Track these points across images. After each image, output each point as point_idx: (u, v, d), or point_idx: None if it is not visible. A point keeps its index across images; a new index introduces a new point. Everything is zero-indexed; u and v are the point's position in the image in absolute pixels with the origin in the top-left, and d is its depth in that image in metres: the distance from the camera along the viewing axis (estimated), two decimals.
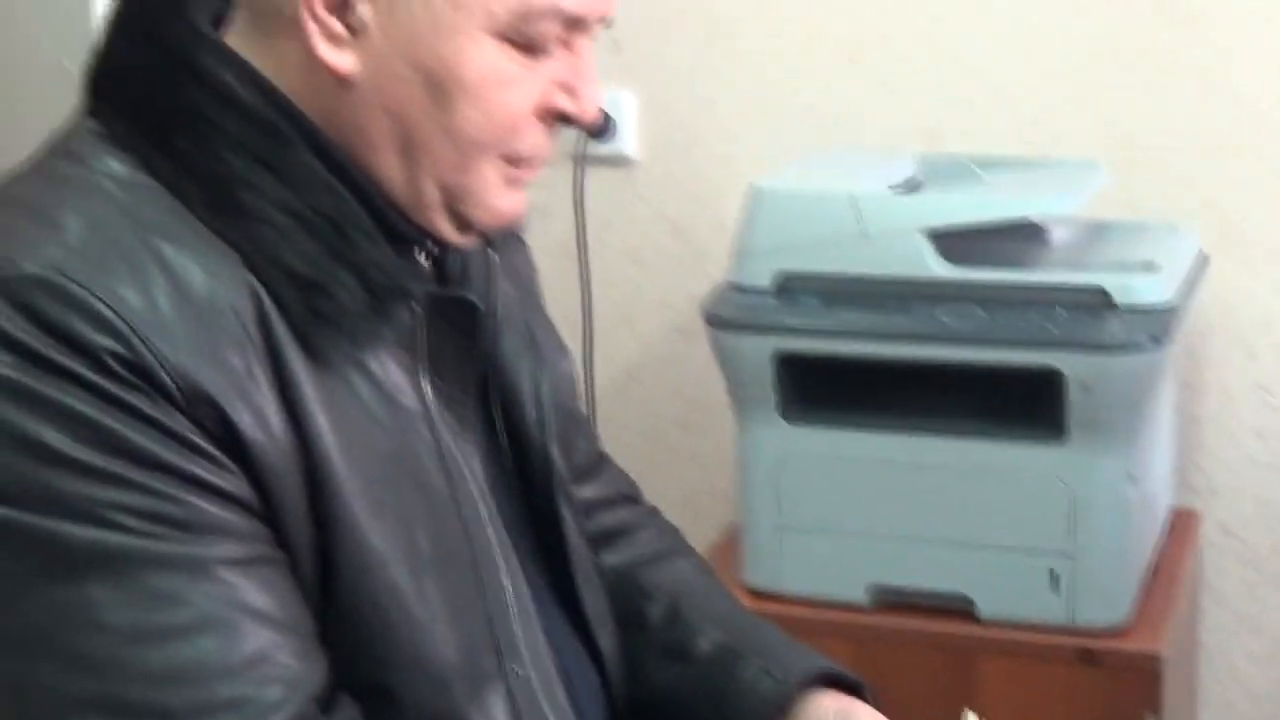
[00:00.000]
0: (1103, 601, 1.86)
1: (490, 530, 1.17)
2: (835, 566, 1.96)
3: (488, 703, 1.12)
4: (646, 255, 2.47)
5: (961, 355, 1.84)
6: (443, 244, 1.18)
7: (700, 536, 2.35)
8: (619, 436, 2.48)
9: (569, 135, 1.18)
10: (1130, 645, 1.86)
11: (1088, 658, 1.85)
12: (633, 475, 1.55)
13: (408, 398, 1.14)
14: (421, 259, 1.19)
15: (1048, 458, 1.83)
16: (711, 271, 2.37)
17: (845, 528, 1.95)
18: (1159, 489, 2.05)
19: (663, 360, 2.49)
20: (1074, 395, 1.79)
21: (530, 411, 1.27)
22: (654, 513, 1.53)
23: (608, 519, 1.46)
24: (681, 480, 2.50)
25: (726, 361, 1.97)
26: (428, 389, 1.16)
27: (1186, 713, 2.20)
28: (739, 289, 1.96)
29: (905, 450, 1.90)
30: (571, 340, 2.33)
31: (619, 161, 2.44)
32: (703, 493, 2.49)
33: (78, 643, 0.98)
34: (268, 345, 1.05)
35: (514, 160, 1.14)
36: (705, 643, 1.34)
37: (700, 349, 2.39)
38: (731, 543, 2.10)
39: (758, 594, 1.97)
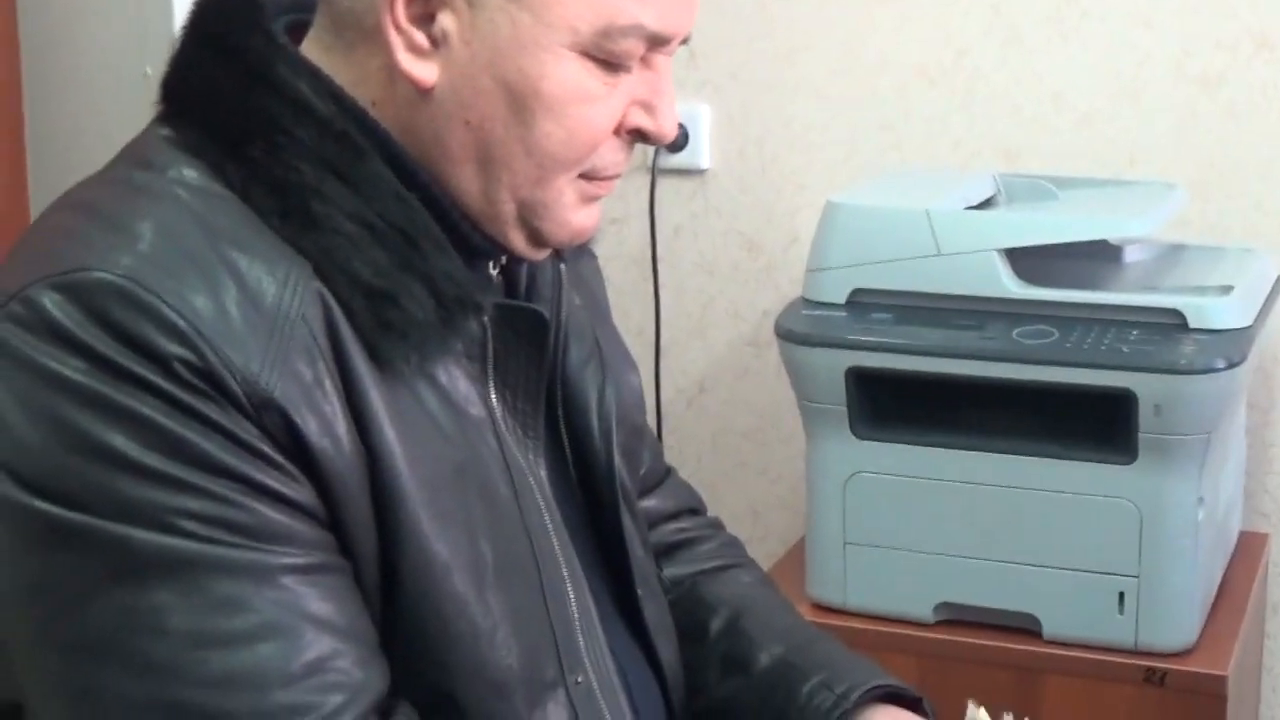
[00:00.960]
0: (1169, 623, 1.82)
1: (554, 539, 1.16)
2: (901, 582, 1.92)
3: (549, 711, 1.11)
4: (718, 266, 2.44)
5: (1034, 374, 1.80)
6: (514, 257, 1.16)
7: (766, 550, 2.34)
8: (687, 447, 2.46)
9: (642, 146, 1.16)
10: (1195, 667, 1.82)
11: (1152, 679, 1.81)
12: (700, 487, 1.53)
13: (475, 407, 1.12)
14: (491, 270, 1.18)
15: (1118, 478, 1.79)
16: (782, 284, 2.35)
17: (912, 544, 1.91)
18: (1229, 512, 2.00)
19: (732, 372, 2.46)
20: (1146, 416, 1.75)
21: (595, 423, 1.25)
22: (717, 525, 1.51)
23: (671, 531, 1.44)
24: (749, 493, 2.47)
25: (798, 375, 1.94)
26: (494, 399, 1.14)
27: None
28: (812, 303, 1.94)
29: (974, 468, 1.87)
30: (642, 350, 2.32)
31: (692, 173, 2.42)
32: (771, 506, 2.46)
33: (141, 647, 0.97)
34: (336, 355, 1.04)
35: (590, 176, 1.12)
36: (765, 656, 1.32)
37: (770, 362, 2.38)
38: (797, 556, 2.07)
39: (822, 608, 1.95)
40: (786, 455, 2.42)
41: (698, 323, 2.47)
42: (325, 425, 1.02)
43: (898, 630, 1.91)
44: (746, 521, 2.42)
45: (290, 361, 1.01)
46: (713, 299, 2.46)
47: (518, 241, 1.13)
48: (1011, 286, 1.85)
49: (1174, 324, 1.79)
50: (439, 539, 1.06)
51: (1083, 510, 1.82)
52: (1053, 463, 1.83)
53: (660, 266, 2.43)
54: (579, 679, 1.14)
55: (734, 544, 1.50)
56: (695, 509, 1.50)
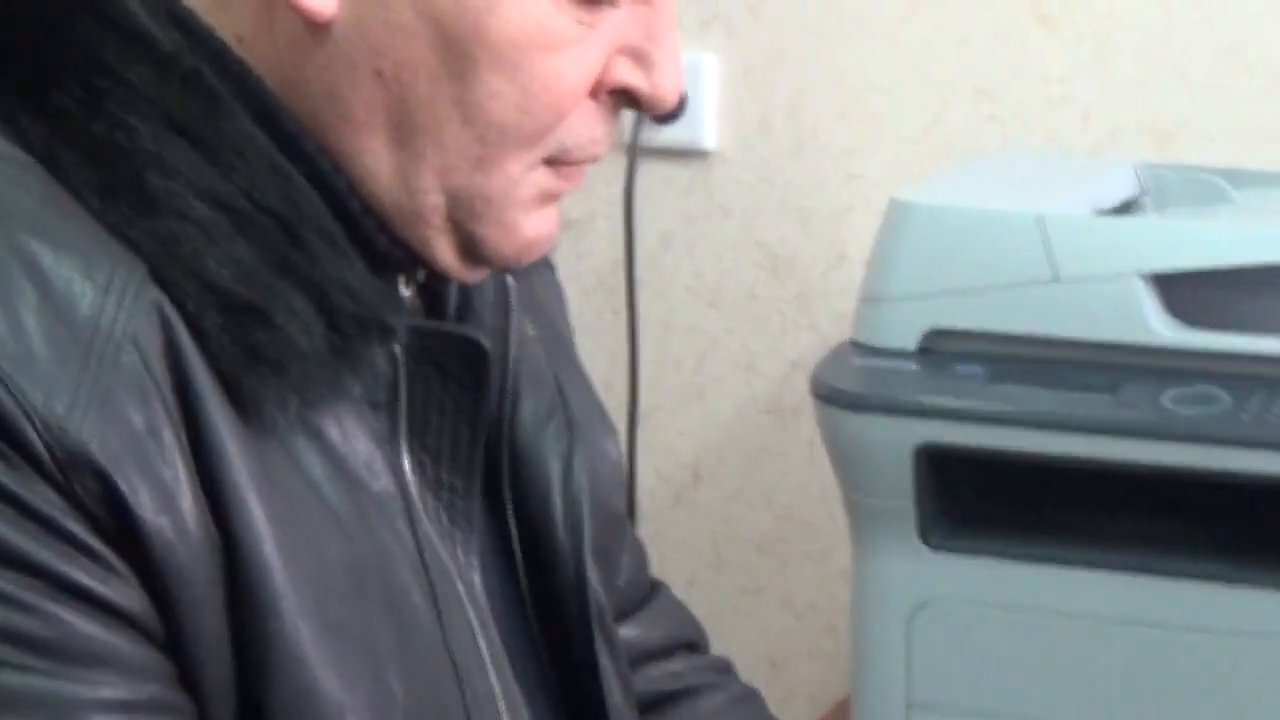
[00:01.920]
0: None
1: (491, 672, 1.19)
2: None
3: None
4: (725, 294, 2.48)
5: (1193, 459, 1.84)
6: (435, 274, 1.20)
7: (791, 716, 2.36)
8: (671, 560, 2.49)
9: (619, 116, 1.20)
10: None
11: None
12: None
13: (379, 480, 1.15)
14: (403, 287, 1.21)
15: None
16: (822, 325, 2.39)
17: (1005, 706, 1.94)
18: None
19: (743, 452, 2.49)
20: None
21: (558, 509, 1.28)
22: (725, 668, 1.54)
23: (660, 675, 1.48)
24: (765, 632, 2.50)
25: (845, 456, 1.97)
26: (409, 468, 1.17)
27: None
28: (868, 349, 1.97)
29: (1102, 595, 1.90)
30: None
31: (690, 155, 2.46)
32: (796, 653, 2.49)
33: None
34: (180, 394, 1.06)
35: (555, 160, 1.16)
36: None
37: (800, 437, 2.42)
38: None
39: None
40: (821, 578, 2.46)
41: (693, 377, 2.50)
42: (162, 495, 1.04)
43: None
44: (761, 674, 2.44)
45: (113, 402, 1.04)
46: (716, 342, 2.49)
47: (443, 252, 1.17)
48: (1163, 330, 1.88)
49: None
50: (327, 667, 1.09)
51: (1270, 658, 1.85)
52: (1224, 589, 1.86)
53: (639, 293, 2.47)
54: None
55: (753, 698, 1.54)
56: (694, 643, 1.53)
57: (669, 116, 1.20)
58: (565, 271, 1.48)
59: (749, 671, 1.58)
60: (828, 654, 2.45)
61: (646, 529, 2.49)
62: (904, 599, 1.97)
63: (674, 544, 2.52)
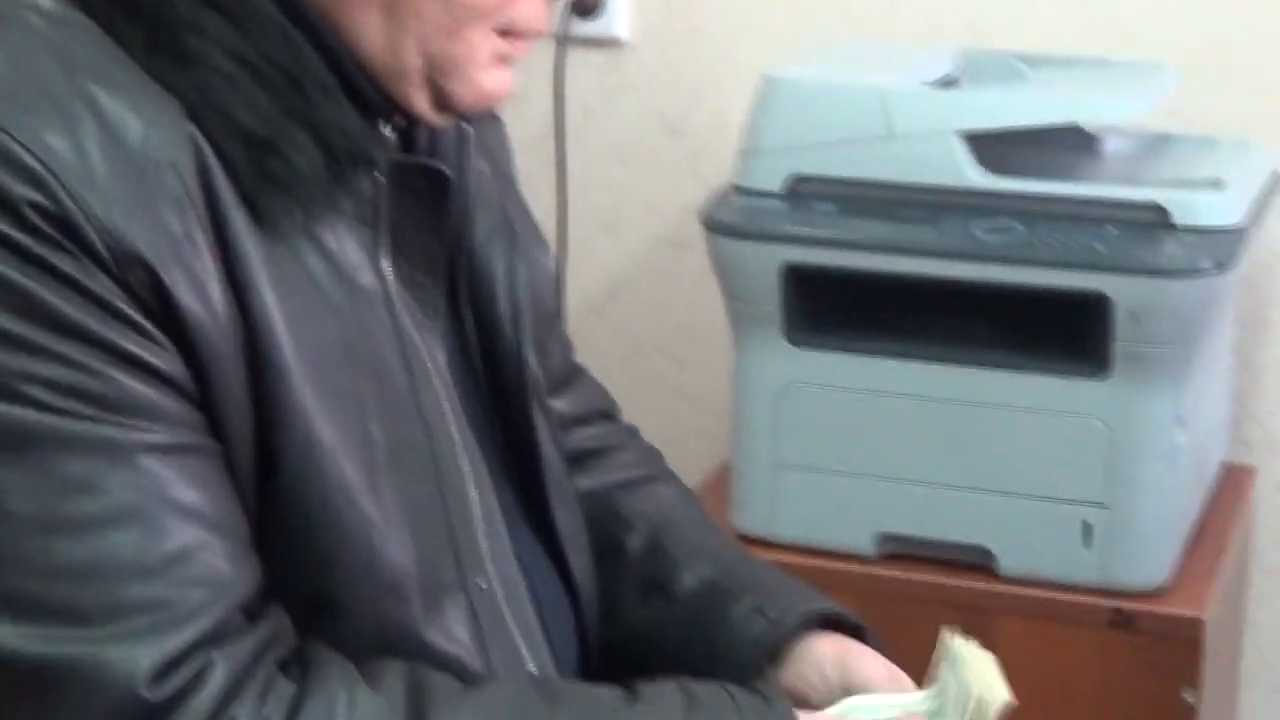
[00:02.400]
0: (1140, 560, 1.89)
1: (454, 430, 1.19)
2: (839, 511, 1.98)
3: (447, 615, 1.15)
4: (634, 154, 2.47)
5: (995, 275, 1.86)
6: (413, 120, 1.20)
7: (685, 478, 2.37)
8: (594, 363, 2.48)
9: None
10: (1168, 609, 1.89)
11: (1120, 621, 1.88)
12: None
13: (365, 277, 1.15)
14: (386, 131, 1.20)
15: (1087, 395, 1.86)
16: (708, 175, 2.38)
17: (852, 467, 1.97)
18: (1210, 439, 2.07)
19: (649, 275, 2.50)
20: (1121, 325, 1.81)
21: (503, 304, 1.28)
22: (633, 433, 1.55)
23: (582, 437, 1.48)
24: (665, 415, 2.51)
25: (727, 273, 1.98)
26: (388, 269, 1.17)
27: (1226, 692, 2.23)
28: (745, 192, 1.98)
29: (925, 381, 1.92)
30: None
31: (606, 43, 2.45)
32: (690, 431, 2.51)
33: None
34: (210, 207, 1.06)
35: (506, 32, 1.16)
36: (690, 578, 1.36)
37: (692, 264, 2.41)
38: (721, 483, 2.12)
39: (750, 540, 2.00)
40: (709, 373, 2.47)
41: (609, 218, 2.50)
42: (197, 285, 1.04)
43: (834, 565, 1.97)
44: (662, 448, 2.44)
45: (157, 211, 1.03)
46: (627, 191, 2.49)
47: (420, 103, 1.16)
48: (973, 175, 1.90)
49: (1156, 221, 1.85)
50: (325, 419, 1.09)
51: (1046, 430, 1.88)
52: (1014, 376, 1.89)
53: (567, 153, 2.45)
54: (481, 584, 1.17)
55: (653, 454, 1.55)
56: (609, 413, 1.54)
57: (587, 11, 1.20)
58: (510, 135, 1.48)
59: (651, 442, 1.59)
60: (714, 432, 2.47)
61: (573, 335, 2.48)
62: (772, 385, 1.99)
63: (595, 349, 2.49)
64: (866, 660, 1.29)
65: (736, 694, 1.16)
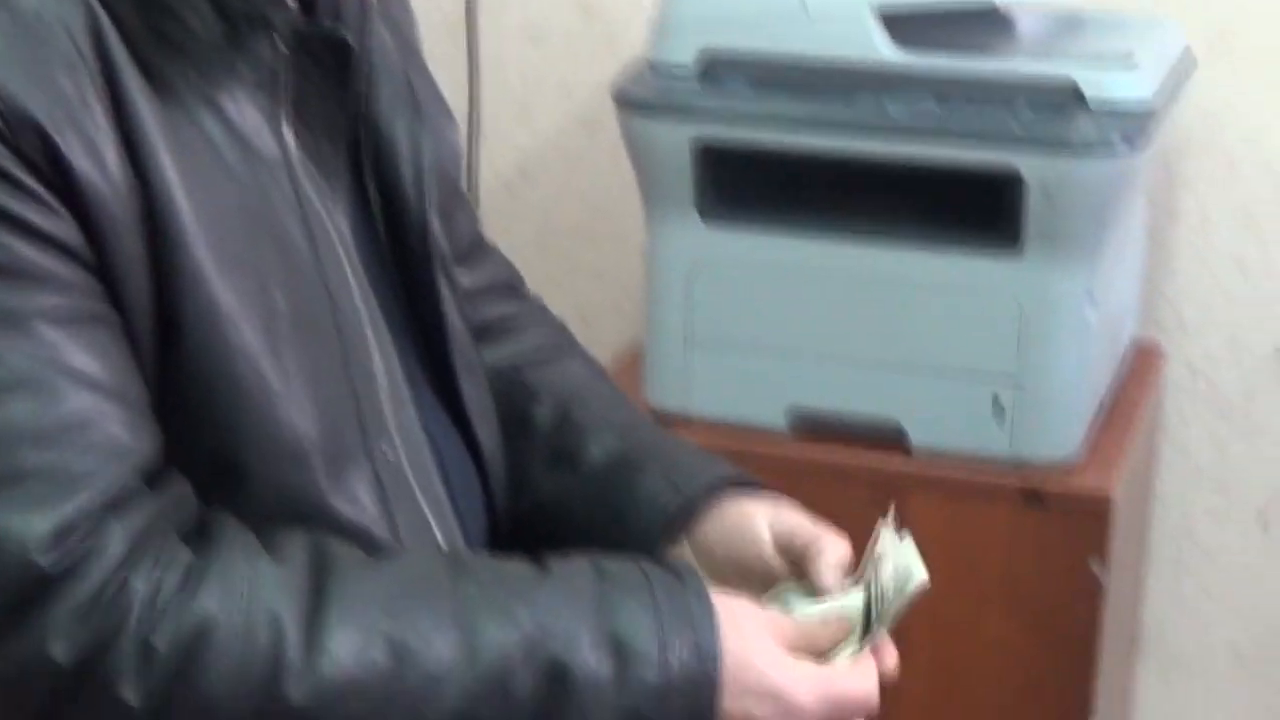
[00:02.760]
0: (1050, 435, 1.91)
1: (357, 297, 1.18)
2: (751, 387, 1.99)
3: (351, 483, 1.14)
4: (546, 32, 2.46)
5: (908, 152, 1.86)
6: None
7: (599, 357, 2.37)
8: (508, 244, 2.47)
9: None
10: (1078, 484, 1.91)
11: (1030, 496, 1.90)
12: None
13: (266, 144, 1.14)
14: None
15: (999, 271, 1.87)
16: (622, 54, 2.37)
17: (764, 344, 1.97)
18: (1122, 317, 2.09)
19: (561, 156, 2.49)
20: (1033, 201, 1.82)
21: (407, 173, 1.28)
22: (540, 307, 1.55)
23: (489, 310, 1.48)
24: (579, 296, 2.51)
25: (638, 151, 1.98)
26: (289, 137, 1.17)
27: (1134, 565, 2.27)
28: (657, 68, 1.97)
29: (837, 258, 1.93)
30: None
31: None
32: (603, 310, 2.51)
33: None
34: (104, 70, 1.05)
35: None
36: (598, 450, 1.37)
37: (605, 145, 2.41)
38: (635, 361, 2.13)
39: (663, 417, 2.01)
40: (622, 253, 2.46)
41: (521, 100, 2.48)
42: (92, 150, 1.03)
43: (747, 441, 1.98)
44: (575, 328, 2.43)
45: (50, 73, 1.02)
46: (540, 72, 2.47)
47: None
48: (886, 52, 1.89)
49: (1068, 98, 1.85)
50: (224, 284, 1.09)
51: (959, 307, 1.89)
52: (926, 253, 1.90)
53: (479, 34, 2.43)
54: (385, 451, 1.17)
55: (560, 328, 1.54)
56: (516, 288, 1.54)
57: None
58: (421, 20, 1.46)
59: (568, 326, 1.60)
60: (626, 311, 2.47)
61: (486, 218, 2.48)
62: (685, 263, 1.99)
63: (508, 230, 2.51)
64: (791, 511, 1.30)
65: (649, 569, 1.15)
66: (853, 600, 1.21)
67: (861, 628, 1.19)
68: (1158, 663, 2.42)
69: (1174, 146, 2.21)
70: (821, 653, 1.17)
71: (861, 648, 1.18)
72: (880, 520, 1.25)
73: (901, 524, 1.25)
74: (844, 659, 1.17)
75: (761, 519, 1.29)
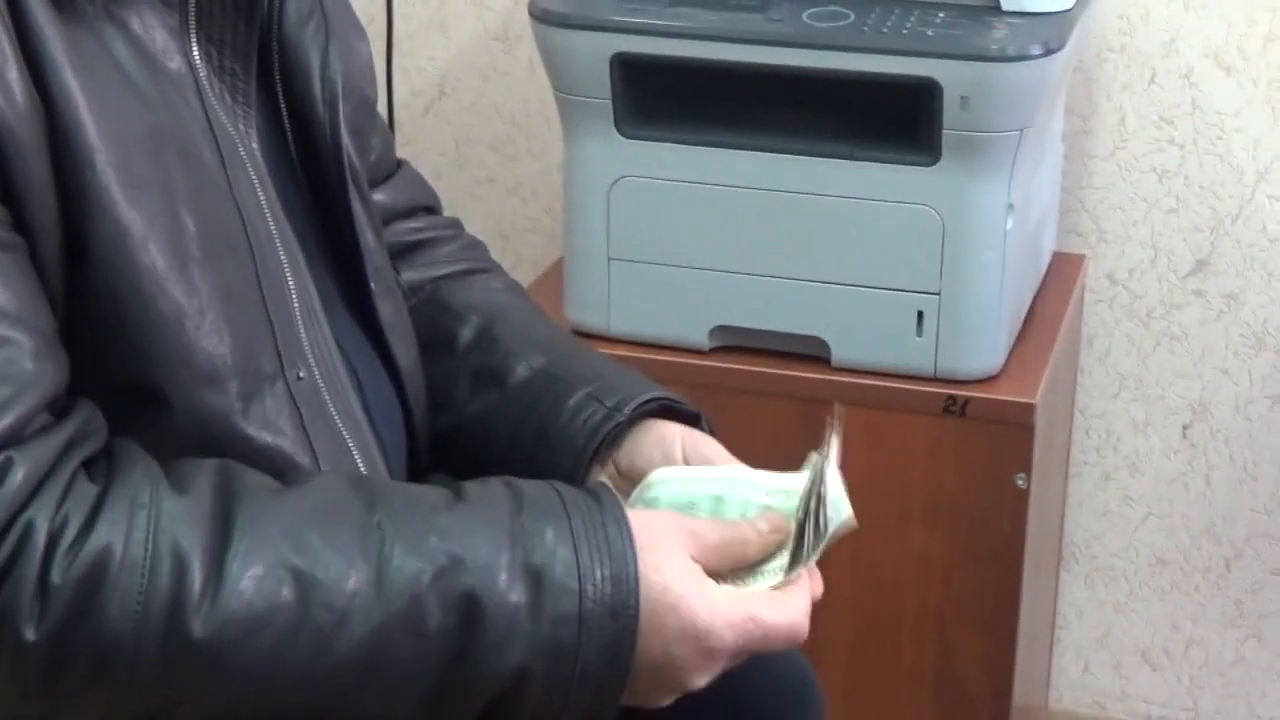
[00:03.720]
0: (972, 347, 1.92)
1: (269, 218, 1.18)
2: (673, 304, 1.99)
3: (266, 406, 1.14)
4: None
5: (825, 62, 1.86)
6: None
7: (518, 275, 2.37)
8: (425, 162, 2.48)
9: None
10: (1000, 395, 1.92)
11: (953, 408, 1.91)
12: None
13: (174, 62, 1.14)
14: None
15: (918, 182, 1.87)
16: None
17: (685, 260, 1.97)
18: (1042, 228, 2.10)
19: (477, 71, 2.47)
20: (951, 110, 1.82)
21: (318, 90, 1.27)
22: (456, 226, 1.55)
23: (405, 230, 1.48)
24: (497, 213, 2.51)
25: (556, 65, 1.97)
26: (197, 55, 1.16)
27: (1057, 478, 2.29)
28: None
29: (758, 172, 1.92)
30: (371, 45, 2.31)
31: None
32: (521, 228, 2.50)
33: None
34: None
35: None
36: (523, 367, 1.37)
37: (521, 59, 2.40)
38: (554, 279, 2.12)
39: (584, 334, 2.01)
40: (539, 169, 2.46)
41: (437, 13, 2.46)
42: None
43: (668, 358, 1.98)
44: (495, 247, 2.43)
45: None
46: None
47: None
48: None
49: (985, 5, 1.86)
50: (132, 205, 1.08)
51: (879, 219, 1.90)
52: (844, 164, 1.90)
53: None
54: (300, 373, 1.17)
55: (478, 246, 1.54)
56: (431, 207, 1.54)
57: None
58: None
59: (486, 246, 1.59)
60: (546, 228, 2.47)
61: (401, 134, 2.47)
62: (604, 177, 1.98)
63: (424, 146, 2.51)
64: (708, 441, 1.30)
65: (565, 492, 1.14)
66: (790, 505, 1.20)
67: (790, 553, 1.18)
68: (1083, 572, 2.44)
69: (1092, 54, 2.22)
70: (749, 565, 1.17)
71: (788, 577, 1.17)
72: (826, 439, 1.22)
73: (820, 437, 1.23)
74: (766, 585, 1.17)
75: (678, 445, 1.29)
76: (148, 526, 1.03)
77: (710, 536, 1.16)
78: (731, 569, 1.16)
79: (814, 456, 1.22)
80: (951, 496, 1.96)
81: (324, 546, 1.06)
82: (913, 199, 1.88)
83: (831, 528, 1.17)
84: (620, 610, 1.09)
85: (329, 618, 1.04)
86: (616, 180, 1.97)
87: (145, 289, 1.08)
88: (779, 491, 1.23)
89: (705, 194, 1.95)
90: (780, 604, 1.15)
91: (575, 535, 1.10)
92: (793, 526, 1.19)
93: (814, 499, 1.19)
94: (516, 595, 1.07)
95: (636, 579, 1.09)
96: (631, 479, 1.29)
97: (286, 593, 1.03)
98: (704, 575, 1.13)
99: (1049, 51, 1.83)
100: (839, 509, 1.18)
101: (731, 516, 1.21)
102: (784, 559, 1.18)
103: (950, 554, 1.97)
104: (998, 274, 1.90)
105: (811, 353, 1.97)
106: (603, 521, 1.12)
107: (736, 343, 2.00)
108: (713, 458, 1.28)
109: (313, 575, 1.04)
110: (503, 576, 1.08)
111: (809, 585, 1.17)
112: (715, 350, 2.00)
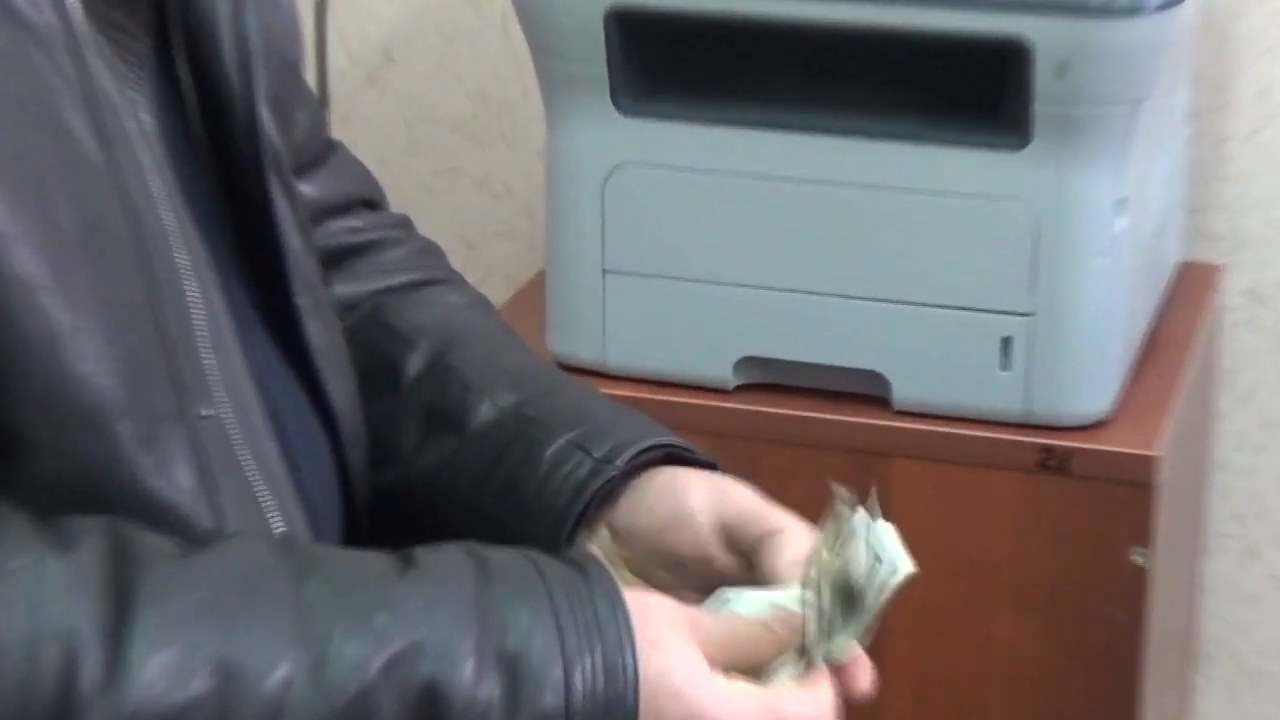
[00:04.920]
0: (1074, 384, 1.93)
1: (166, 214, 1.18)
2: (686, 330, 2.00)
3: (164, 450, 1.14)
4: None
5: (883, 18, 1.87)
6: None
7: (489, 293, 2.38)
8: (363, 141, 2.49)
9: None
10: (1111, 446, 1.92)
11: (1050, 463, 1.91)
12: None
13: (42, 13, 1.14)
14: None
15: (1002, 170, 1.88)
16: None
17: (701, 272, 1.98)
18: (1163, 231, 2.11)
19: (435, 33, 2.49)
20: (1043, 80, 1.83)
21: (229, 52, 1.28)
22: (405, 225, 1.55)
23: (340, 230, 1.49)
24: (461, 213, 2.52)
25: (537, 24, 1.98)
26: (74, 4, 1.16)
27: (1188, 554, 2.29)
28: None
29: (791, 158, 1.93)
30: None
31: None
32: (492, 233, 2.52)
33: None
34: None
35: None
36: (487, 407, 1.37)
37: (491, 18, 2.42)
38: (535, 298, 2.13)
39: (573, 369, 2.00)
40: (515, 157, 2.48)
41: None
42: None
43: (682, 399, 1.99)
44: (458, 255, 2.44)
45: None
46: None
47: None
48: None
49: None
50: None
51: (951, 219, 1.91)
52: (908, 149, 1.91)
53: None
54: (204, 411, 1.17)
55: (433, 252, 1.55)
56: (373, 201, 1.54)
57: None
58: None
59: (445, 252, 1.59)
60: (524, 233, 2.48)
61: (337, 110, 2.49)
62: (597, 166, 1.99)
63: (366, 125, 2.52)
64: (741, 491, 1.31)
65: (541, 562, 1.14)
66: (799, 596, 1.21)
67: (812, 637, 1.20)
68: (1223, 676, 2.45)
69: (1225, 7, 2.23)
70: (762, 665, 1.18)
71: (811, 662, 1.18)
72: (835, 500, 1.24)
73: (881, 495, 1.24)
74: (785, 675, 1.18)
75: (700, 499, 1.30)
76: (26, 600, 1.03)
77: (714, 627, 1.17)
78: (740, 669, 1.17)
79: (839, 509, 1.23)
80: (1049, 577, 1.96)
81: (247, 625, 1.06)
82: (996, 193, 1.89)
83: (892, 582, 1.18)
84: (615, 706, 1.10)
85: (255, 716, 1.05)
86: (613, 170, 1.98)
87: (7, 303, 1.08)
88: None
89: (727, 187, 1.95)
90: (802, 697, 1.16)
91: (558, 614, 1.11)
92: (806, 613, 1.20)
93: (849, 549, 1.20)
94: (487, 689, 1.08)
95: (635, 668, 1.10)
96: (632, 543, 1.30)
97: (201, 685, 1.04)
98: (709, 663, 1.14)
99: (1169, 4, 1.84)
100: (896, 563, 1.19)
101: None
102: (804, 648, 1.20)
103: (1044, 650, 1.97)
104: (1106, 289, 1.91)
105: (867, 391, 1.98)
106: (590, 597, 1.12)
107: (769, 379, 2.01)
108: (748, 510, 1.29)
109: (235, 663, 1.05)
110: (469, 665, 1.08)
111: (853, 672, 1.19)
112: (741, 389, 2.01)
